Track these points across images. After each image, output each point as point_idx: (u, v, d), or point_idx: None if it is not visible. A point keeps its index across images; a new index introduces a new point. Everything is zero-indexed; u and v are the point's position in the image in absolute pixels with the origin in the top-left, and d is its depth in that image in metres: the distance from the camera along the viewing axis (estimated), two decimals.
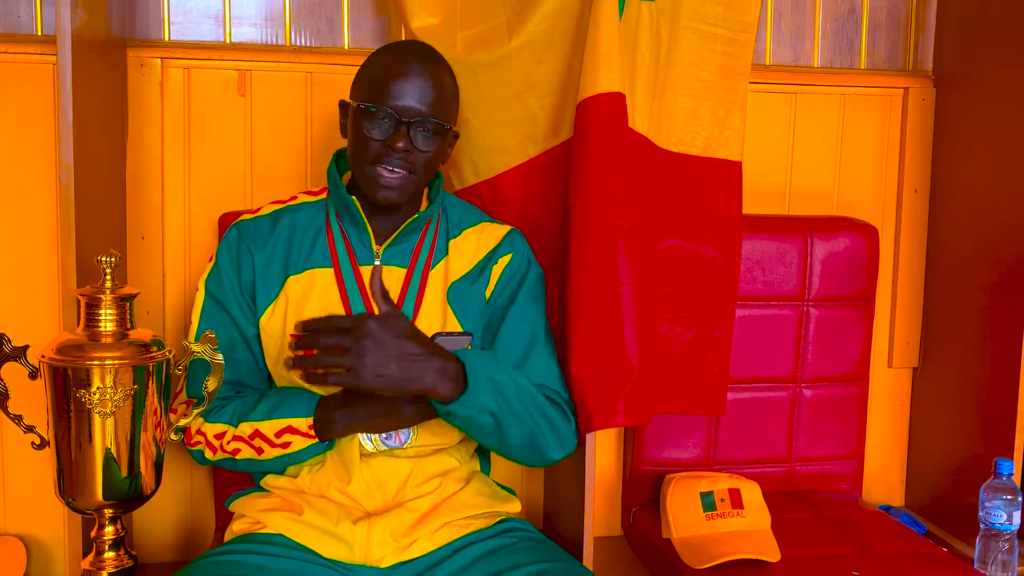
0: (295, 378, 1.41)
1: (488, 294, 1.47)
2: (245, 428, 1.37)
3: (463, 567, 1.35)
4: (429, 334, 1.42)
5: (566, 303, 1.50)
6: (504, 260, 1.48)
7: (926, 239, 2.13)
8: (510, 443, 1.36)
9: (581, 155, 1.49)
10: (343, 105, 1.45)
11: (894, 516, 1.99)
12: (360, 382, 1.22)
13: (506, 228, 1.53)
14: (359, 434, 1.38)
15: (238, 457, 1.38)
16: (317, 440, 1.35)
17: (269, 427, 1.36)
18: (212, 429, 1.39)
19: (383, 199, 1.38)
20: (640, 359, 1.48)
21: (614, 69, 1.47)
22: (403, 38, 1.71)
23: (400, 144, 1.34)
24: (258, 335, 1.44)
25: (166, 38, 1.81)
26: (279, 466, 1.40)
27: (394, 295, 1.43)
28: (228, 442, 1.38)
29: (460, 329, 1.44)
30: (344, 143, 1.47)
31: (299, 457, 1.37)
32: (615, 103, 1.48)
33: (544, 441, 1.39)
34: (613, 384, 1.46)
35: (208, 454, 1.40)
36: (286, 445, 1.35)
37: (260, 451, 1.37)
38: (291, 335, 1.25)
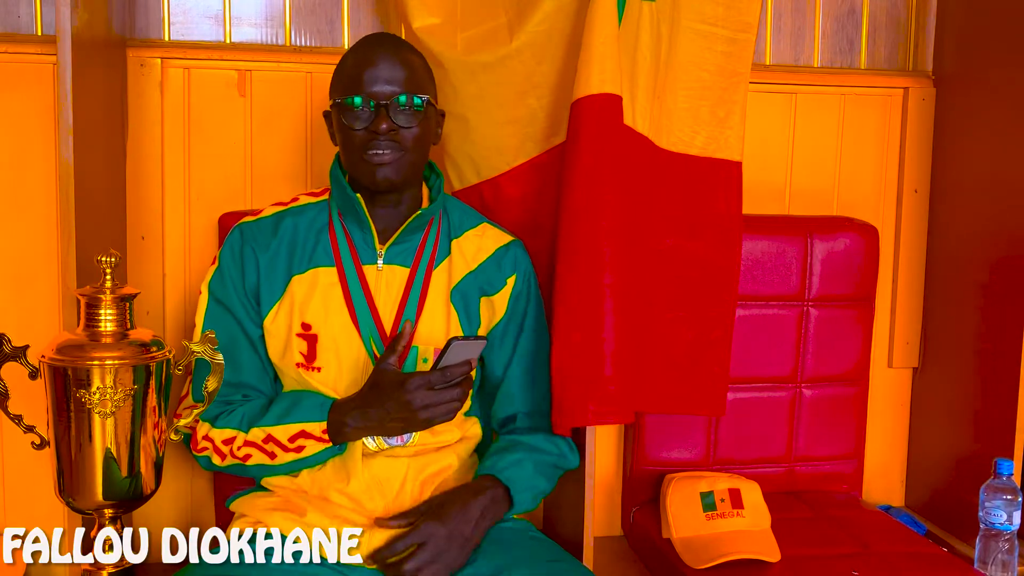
0: (304, 379, 1.42)
1: (492, 325, 1.49)
2: (257, 433, 1.37)
3: (463, 567, 1.35)
4: (431, 334, 1.43)
5: (551, 300, 1.50)
6: (509, 284, 1.50)
7: (926, 239, 2.13)
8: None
9: (572, 156, 1.49)
10: (326, 115, 1.46)
11: (894, 516, 1.99)
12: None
13: (508, 237, 1.53)
14: None
15: (249, 463, 1.38)
16: (330, 444, 1.35)
17: (282, 432, 1.36)
18: (220, 435, 1.39)
19: (382, 179, 1.38)
20: (620, 359, 1.48)
21: (608, 70, 1.47)
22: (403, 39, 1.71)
23: (384, 126, 1.36)
24: (262, 336, 1.44)
25: (166, 38, 1.81)
26: (290, 470, 1.40)
27: (396, 295, 1.43)
28: (239, 448, 1.38)
29: (461, 331, 1.45)
30: None
31: (311, 461, 1.38)
32: (608, 104, 1.48)
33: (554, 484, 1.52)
34: (586, 383, 1.46)
35: (216, 460, 1.40)
36: (300, 449, 1.35)
37: (273, 456, 1.37)
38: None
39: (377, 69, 1.38)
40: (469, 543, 1.34)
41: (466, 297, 1.47)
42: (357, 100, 1.37)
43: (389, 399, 1.31)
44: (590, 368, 1.47)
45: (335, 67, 1.45)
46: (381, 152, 1.37)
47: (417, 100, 1.39)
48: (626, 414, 1.54)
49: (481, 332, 1.49)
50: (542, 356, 1.50)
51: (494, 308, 1.49)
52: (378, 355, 1.39)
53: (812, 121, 2.08)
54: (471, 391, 1.50)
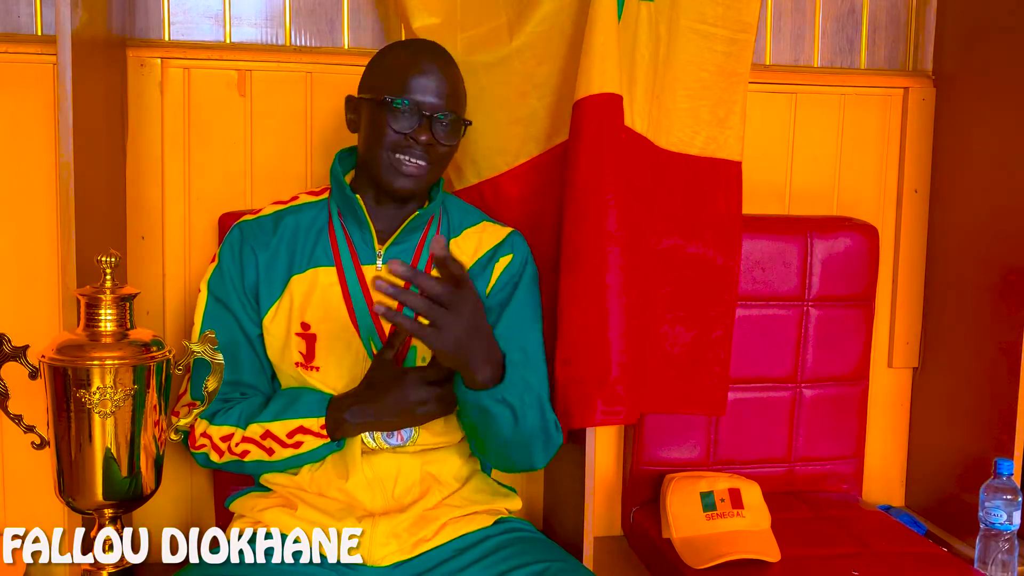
0: (303, 378, 1.42)
1: (487, 292, 1.48)
2: (255, 429, 1.37)
3: (464, 567, 1.36)
4: None
5: (556, 301, 1.50)
6: (505, 260, 1.49)
7: (926, 239, 2.12)
8: (509, 440, 1.35)
9: (574, 156, 1.49)
10: (352, 100, 1.46)
11: (894, 516, 1.99)
12: (437, 347, 1.21)
13: (507, 229, 1.53)
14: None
15: (246, 459, 1.38)
16: (329, 440, 1.35)
17: (280, 427, 1.36)
18: (218, 431, 1.39)
19: (401, 188, 1.39)
20: (624, 360, 1.48)
21: (609, 70, 1.47)
22: (403, 39, 1.71)
23: (423, 137, 1.37)
24: (261, 335, 1.44)
25: (166, 38, 1.81)
26: (288, 467, 1.40)
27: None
28: (236, 444, 1.38)
29: None
30: (346, 143, 1.48)
31: (310, 457, 1.38)
32: (609, 104, 1.48)
33: (537, 447, 1.41)
34: (593, 384, 1.47)
35: (214, 457, 1.40)
36: (298, 445, 1.35)
37: (271, 452, 1.37)
38: (376, 277, 1.17)
39: (428, 78, 1.39)
40: (462, 344, 1.22)
41: None
42: (404, 103, 1.37)
43: (387, 394, 1.31)
44: (596, 369, 1.47)
45: (374, 57, 1.45)
46: (412, 161, 1.38)
47: (459, 119, 1.41)
48: (632, 414, 1.54)
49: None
50: (526, 338, 1.46)
51: (486, 274, 1.48)
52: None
53: (812, 121, 2.08)
54: None
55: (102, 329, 1.23)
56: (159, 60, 1.75)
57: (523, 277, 1.50)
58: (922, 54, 2.14)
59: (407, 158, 1.38)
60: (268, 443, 1.36)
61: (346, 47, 1.86)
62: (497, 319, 1.46)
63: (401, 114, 1.38)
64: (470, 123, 1.47)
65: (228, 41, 1.83)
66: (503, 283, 1.48)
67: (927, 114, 2.10)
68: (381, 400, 1.32)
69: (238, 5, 1.83)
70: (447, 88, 1.40)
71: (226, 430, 1.39)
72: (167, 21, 1.80)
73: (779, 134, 2.07)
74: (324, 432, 1.35)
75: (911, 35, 2.14)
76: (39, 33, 1.75)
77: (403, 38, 1.71)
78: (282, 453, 1.36)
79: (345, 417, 1.34)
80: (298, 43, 1.86)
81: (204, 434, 1.40)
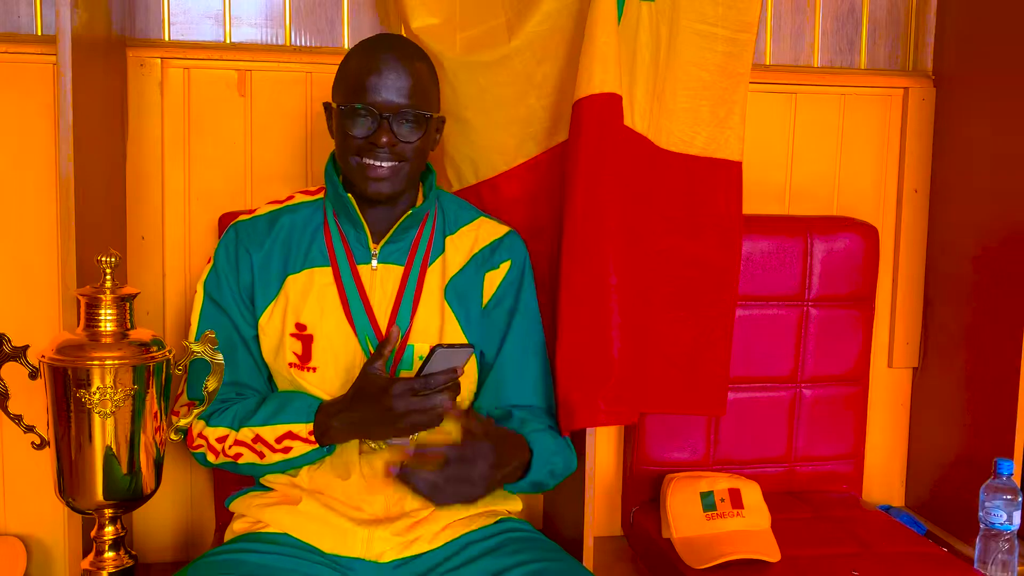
0: (296, 380, 1.42)
1: (484, 302, 1.48)
2: (247, 433, 1.37)
3: (463, 564, 1.36)
4: (426, 331, 1.42)
5: (556, 301, 1.50)
6: (504, 267, 1.49)
7: (926, 239, 2.13)
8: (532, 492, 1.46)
9: (574, 156, 1.49)
10: (327, 107, 1.46)
11: (894, 516, 1.99)
12: (455, 502, 1.31)
13: (504, 228, 1.53)
14: None
15: (240, 461, 1.38)
16: (318, 446, 1.35)
17: (270, 432, 1.36)
18: (214, 433, 1.39)
19: (374, 192, 1.38)
20: (626, 359, 1.48)
21: (609, 70, 1.47)
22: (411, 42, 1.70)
23: (384, 139, 1.35)
24: (257, 336, 1.44)
25: (166, 38, 1.81)
26: (281, 469, 1.40)
27: (391, 294, 1.43)
28: (230, 446, 1.38)
29: (459, 328, 1.45)
30: None
31: (301, 461, 1.38)
32: (609, 103, 1.48)
33: (557, 482, 1.48)
34: (596, 383, 1.47)
35: (210, 457, 1.40)
36: (287, 450, 1.35)
37: (262, 455, 1.37)
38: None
39: (382, 77, 1.36)
40: (489, 489, 1.31)
41: (461, 293, 1.46)
42: (359, 108, 1.36)
43: (374, 404, 1.30)
44: (599, 369, 1.47)
45: (340, 62, 1.44)
46: (379, 164, 1.37)
47: (421, 114, 1.38)
48: (634, 414, 1.54)
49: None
50: (536, 346, 1.49)
51: (486, 284, 1.48)
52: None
53: (812, 121, 2.08)
54: (474, 393, 1.50)
55: (102, 329, 1.23)
56: (159, 60, 1.75)
57: (523, 281, 1.51)
58: (922, 54, 2.14)
59: (373, 162, 1.37)
60: (259, 447, 1.37)
61: (346, 47, 1.86)
62: (507, 326, 1.48)
63: (359, 119, 1.36)
64: (441, 117, 1.46)
65: (228, 41, 1.84)
66: (504, 290, 1.48)
67: (927, 114, 2.11)
68: (367, 410, 1.31)
69: (238, 5, 1.83)
70: (407, 84, 1.37)
71: (221, 432, 1.39)
72: (167, 21, 1.80)
73: (779, 134, 2.07)
74: (312, 438, 1.35)
75: (911, 35, 2.14)
76: (39, 33, 1.75)
77: None
78: (272, 457, 1.36)
79: (333, 424, 1.34)
80: (298, 43, 1.86)
81: (201, 435, 1.40)
